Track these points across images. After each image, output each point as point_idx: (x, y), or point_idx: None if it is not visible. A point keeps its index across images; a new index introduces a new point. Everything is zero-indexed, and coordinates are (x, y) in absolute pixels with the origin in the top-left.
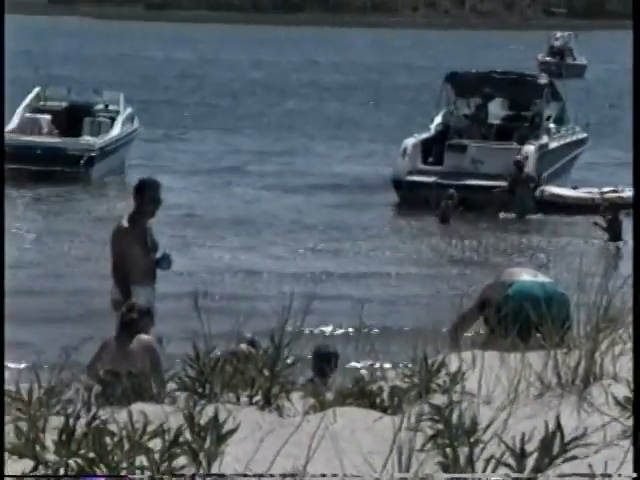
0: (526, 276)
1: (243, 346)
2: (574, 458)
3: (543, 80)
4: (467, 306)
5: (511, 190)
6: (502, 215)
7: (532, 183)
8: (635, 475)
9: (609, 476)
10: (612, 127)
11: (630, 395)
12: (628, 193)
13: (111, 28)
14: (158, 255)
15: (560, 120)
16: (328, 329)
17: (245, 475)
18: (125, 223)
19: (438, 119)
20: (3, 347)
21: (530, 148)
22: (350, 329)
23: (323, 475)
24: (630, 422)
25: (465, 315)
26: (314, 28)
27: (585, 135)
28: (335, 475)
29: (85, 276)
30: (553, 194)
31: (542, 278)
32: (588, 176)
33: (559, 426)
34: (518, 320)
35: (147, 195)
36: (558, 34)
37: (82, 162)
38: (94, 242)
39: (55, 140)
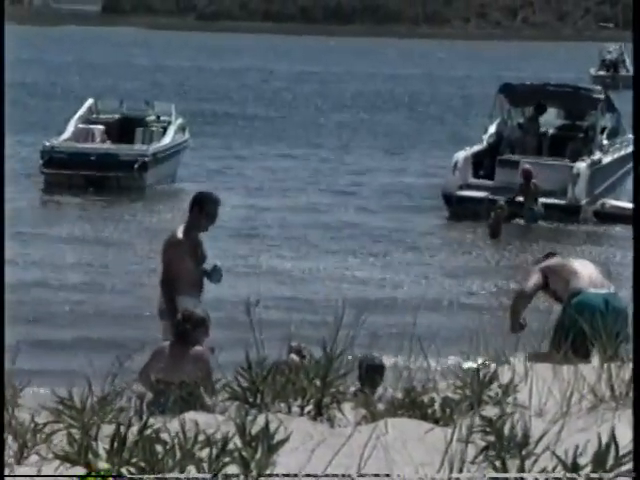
0: (591, 287)
1: (293, 356)
2: (629, 472)
3: (598, 93)
4: (524, 284)
5: (512, 200)
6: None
7: (540, 193)
8: (635, 475)
9: None
10: None
11: None
12: None
13: (163, 38)
14: (207, 267)
15: (615, 132)
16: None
17: (295, 475)
18: (179, 234)
19: (492, 130)
20: (3, 347)
21: (582, 165)
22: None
23: None
24: None
25: (524, 293)
26: (366, 39)
27: None
28: None
29: (131, 284)
30: (614, 206)
31: (605, 290)
32: None
33: (614, 439)
34: (576, 333)
35: (204, 209)
36: (610, 47)
37: (135, 167)
38: (144, 251)
39: (109, 146)
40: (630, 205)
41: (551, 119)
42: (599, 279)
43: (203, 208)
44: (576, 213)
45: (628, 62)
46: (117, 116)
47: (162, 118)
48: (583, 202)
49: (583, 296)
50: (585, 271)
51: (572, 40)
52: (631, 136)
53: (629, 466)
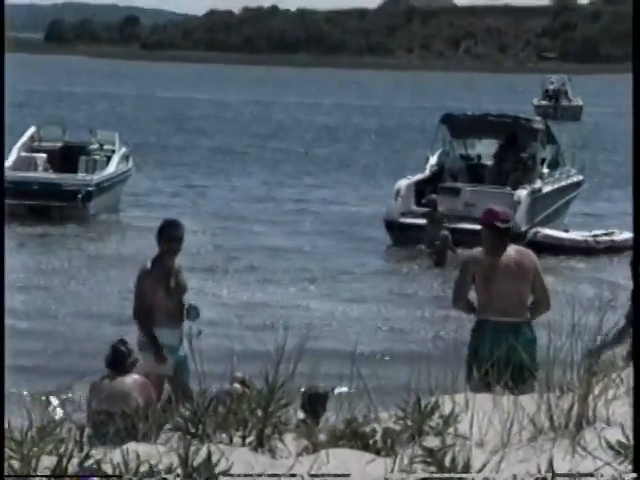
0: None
1: (237, 386)
2: None
3: (538, 124)
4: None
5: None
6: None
7: (445, 220)
8: (635, 475)
9: None
10: (610, 168)
11: (623, 440)
12: (621, 236)
13: (107, 67)
14: (185, 304)
15: (555, 163)
16: (321, 370)
17: None
18: (148, 264)
19: (433, 160)
20: (3, 348)
21: (522, 193)
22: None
23: None
24: (623, 467)
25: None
26: (310, 69)
27: (581, 178)
28: None
29: (79, 315)
30: (547, 235)
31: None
32: (583, 219)
33: (552, 470)
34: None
35: (168, 236)
36: (552, 77)
37: (79, 197)
38: (89, 280)
39: (52, 176)
40: (563, 235)
41: (491, 153)
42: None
43: (166, 235)
44: (517, 240)
45: (570, 93)
46: (60, 144)
47: (105, 147)
48: (523, 229)
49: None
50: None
51: (513, 72)
52: (570, 168)
53: None
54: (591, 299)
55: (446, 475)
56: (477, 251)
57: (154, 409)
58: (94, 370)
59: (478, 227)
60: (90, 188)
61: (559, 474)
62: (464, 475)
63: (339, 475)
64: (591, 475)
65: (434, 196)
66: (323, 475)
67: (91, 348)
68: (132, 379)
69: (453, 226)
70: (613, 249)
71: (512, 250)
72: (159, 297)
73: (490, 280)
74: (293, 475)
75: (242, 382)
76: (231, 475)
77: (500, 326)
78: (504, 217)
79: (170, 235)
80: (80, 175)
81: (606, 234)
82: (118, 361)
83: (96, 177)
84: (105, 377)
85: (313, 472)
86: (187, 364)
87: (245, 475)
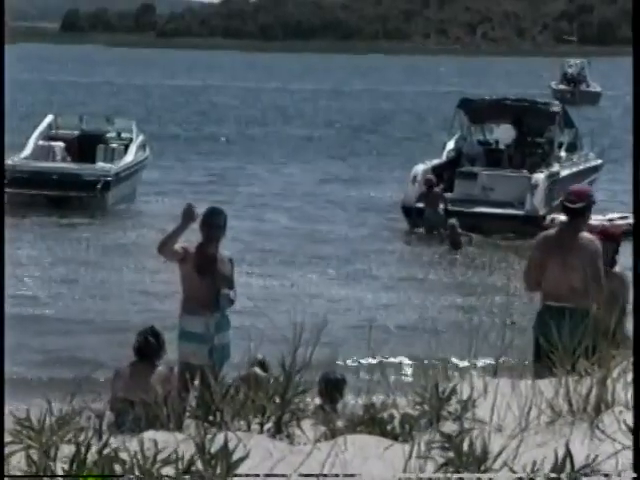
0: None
1: (253, 369)
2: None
3: (555, 107)
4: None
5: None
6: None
7: (441, 201)
8: (635, 475)
9: None
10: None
11: None
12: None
13: (123, 55)
14: (225, 291)
15: (573, 147)
16: (339, 357)
17: None
18: (191, 249)
19: (450, 145)
20: (3, 348)
21: (540, 176)
22: (361, 360)
23: None
24: None
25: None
26: (326, 55)
27: (599, 162)
28: None
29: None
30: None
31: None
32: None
33: (569, 454)
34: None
35: (207, 222)
36: (571, 61)
37: (98, 187)
38: (105, 270)
39: (71, 166)
40: None
41: (510, 137)
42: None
43: (207, 222)
44: (535, 223)
45: (589, 78)
46: (77, 133)
47: (123, 135)
48: (541, 212)
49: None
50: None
51: (531, 55)
52: (588, 152)
53: None
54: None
55: (464, 460)
56: (551, 231)
57: (173, 398)
58: (114, 359)
59: (495, 211)
60: (109, 178)
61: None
62: (482, 460)
63: (346, 475)
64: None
65: (430, 176)
66: (312, 475)
67: (108, 335)
68: (157, 371)
69: (471, 210)
70: (629, 232)
71: (582, 234)
72: (194, 284)
73: (551, 261)
74: (282, 475)
75: (261, 364)
76: (249, 460)
77: (557, 310)
78: (575, 197)
79: (210, 222)
80: (99, 165)
81: (621, 218)
82: (145, 351)
83: (115, 167)
84: (131, 365)
85: (331, 458)
86: (224, 353)
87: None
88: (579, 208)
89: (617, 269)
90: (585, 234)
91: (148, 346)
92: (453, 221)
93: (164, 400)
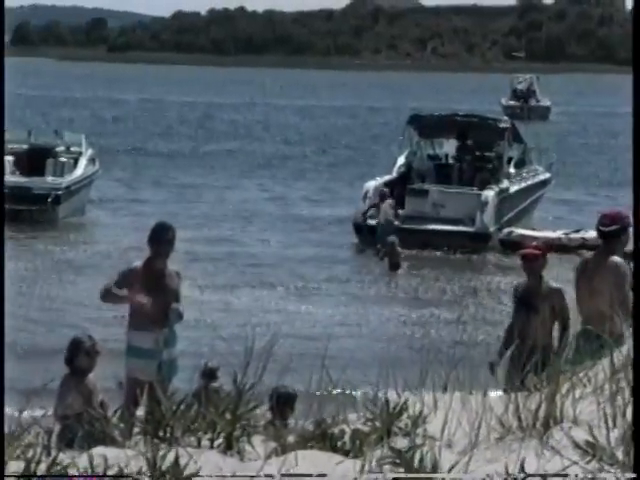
0: None
1: (203, 383)
2: None
3: (504, 123)
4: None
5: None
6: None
7: (393, 212)
8: (635, 475)
9: None
10: (578, 167)
11: (590, 439)
12: (591, 234)
13: (73, 70)
14: (175, 305)
15: (522, 162)
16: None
17: None
18: (139, 264)
19: (401, 160)
20: (3, 348)
21: (490, 194)
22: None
23: None
24: (590, 466)
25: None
26: (277, 70)
27: (548, 175)
28: None
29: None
30: (521, 235)
31: None
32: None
33: (522, 469)
34: None
35: (157, 237)
36: (520, 77)
37: (49, 201)
38: (57, 284)
39: (21, 179)
40: (537, 233)
41: (459, 153)
42: None
43: (156, 237)
44: (485, 240)
45: (538, 93)
46: (26, 146)
47: (72, 149)
48: (491, 229)
49: None
50: None
51: (480, 71)
52: (537, 167)
53: None
54: (573, 298)
55: (414, 475)
56: (589, 255)
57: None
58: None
59: (446, 228)
60: (60, 192)
61: (530, 474)
62: (432, 475)
63: (315, 475)
64: (564, 476)
65: (385, 190)
66: (297, 475)
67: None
68: (93, 379)
69: (422, 227)
70: (585, 246)
71: (612, 258)
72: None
73: (584, 284)
74: (269, 476)
75: (212, 373)
76: (201, 476)
77: (588, 333)
78: (608, 220)
79: (160, 237)
80: (49, 178)
81: (576, 232)
82: (74, 362)
83: (65, 180)
84: (68, 377)
85: (282, 474)
86: (172, 368)
87: (216, 476)
88: (613, 231)
89: (553, 284)
90: (615, 258)
91: (77, 357)
92: (393, 238)
93: (86, 412)
